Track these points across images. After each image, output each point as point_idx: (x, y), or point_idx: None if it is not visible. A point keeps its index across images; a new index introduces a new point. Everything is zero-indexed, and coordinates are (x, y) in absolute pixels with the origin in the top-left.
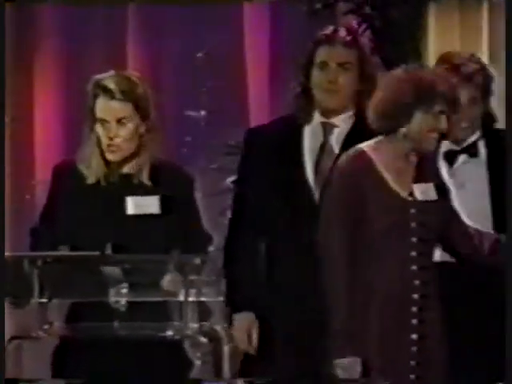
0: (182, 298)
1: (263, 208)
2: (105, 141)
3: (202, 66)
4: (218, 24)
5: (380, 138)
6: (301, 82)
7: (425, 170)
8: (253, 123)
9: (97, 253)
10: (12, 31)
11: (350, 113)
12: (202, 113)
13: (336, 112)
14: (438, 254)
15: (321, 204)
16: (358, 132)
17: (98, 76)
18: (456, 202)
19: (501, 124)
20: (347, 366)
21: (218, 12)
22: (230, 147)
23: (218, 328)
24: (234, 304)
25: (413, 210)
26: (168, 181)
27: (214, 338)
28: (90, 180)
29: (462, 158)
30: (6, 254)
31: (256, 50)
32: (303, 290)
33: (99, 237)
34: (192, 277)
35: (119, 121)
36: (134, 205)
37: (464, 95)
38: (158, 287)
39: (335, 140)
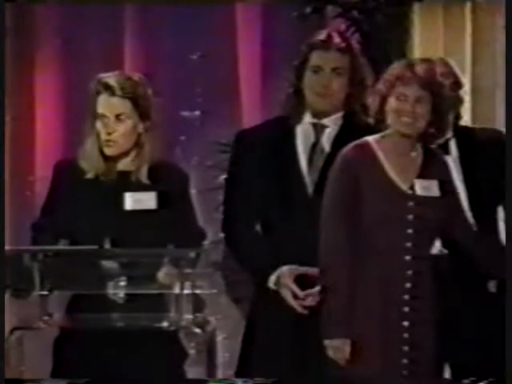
0: (177, 290)
1: (257, 201)
2: (103, 136)
3: (196, 67)
4: (212, 27)
5: (387, 131)
6: (293, 83)
7: (431, 168)
8: (245, 123)
9: (96, 247)
10: (12, 31)
11: (340, 114)
12: (197, 113)
13: (326, 113)
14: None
15: (315, 196)
16: (348, 132)
17: (102, 74)
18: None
19: (501, 124)
20: (336, 346)
21: (212, 15)
22: (224, 146)
23: (212, 319)
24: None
25: (411, 203)
26: (164, 178)
27: (207, 329)
28: (89, 175)
29: None
30: (8, 247)
31: (248, 53)
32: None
33: (98, 231)
34: (187, 270)
35: (118, 117)
36: (131, 200)
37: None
38: (155, 280)
39: (326, 140)
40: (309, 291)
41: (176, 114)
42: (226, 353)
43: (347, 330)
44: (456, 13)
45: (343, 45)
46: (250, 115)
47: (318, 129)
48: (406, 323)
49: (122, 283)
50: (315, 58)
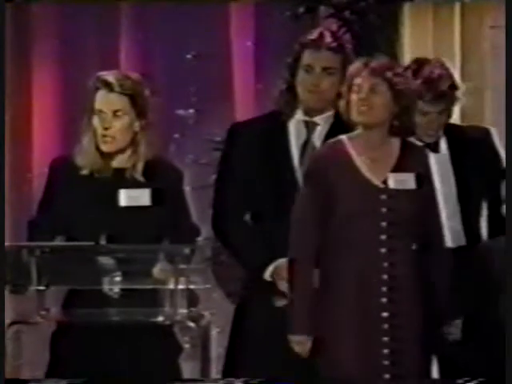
0: (172, 285)
1: (249, 194)
2: (100, 131)
3: (191, 67)
4: (206, 26)
5: (360, 129)
6: (287, 80)
7: (407, 160)
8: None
9: (91, 243)
10: (9, 30)
11: (331, 112)
12: (191, 111)
13: (318, 111)
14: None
15: None
16: (338, 130)
17: (102, 72)
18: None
19: (489, 122)
20: (298, 341)
21: (206, 15)
22: (217, 143)
23: (206, 313)
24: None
25: (383, 197)
26: (159, 175)
27: (201, 323)
28: (85, 171)
29: None
30: (6, 243)
31: (242, 52)
32: None
33: (94, 228)
34: (181, 266)
35: (115, 113)
36: (126, 197)
37: (436, 108)
38: (150, 275)
39: (317, 138)
40: None
41: (171, 112)
42: (220, 347)
43: (310, 327)
44: (445, 13)
45: (334, 44)
46: (244, 114)
47: (310, 126)
48: (385, 314)
49: (118, 278)
50: (307, 57)
